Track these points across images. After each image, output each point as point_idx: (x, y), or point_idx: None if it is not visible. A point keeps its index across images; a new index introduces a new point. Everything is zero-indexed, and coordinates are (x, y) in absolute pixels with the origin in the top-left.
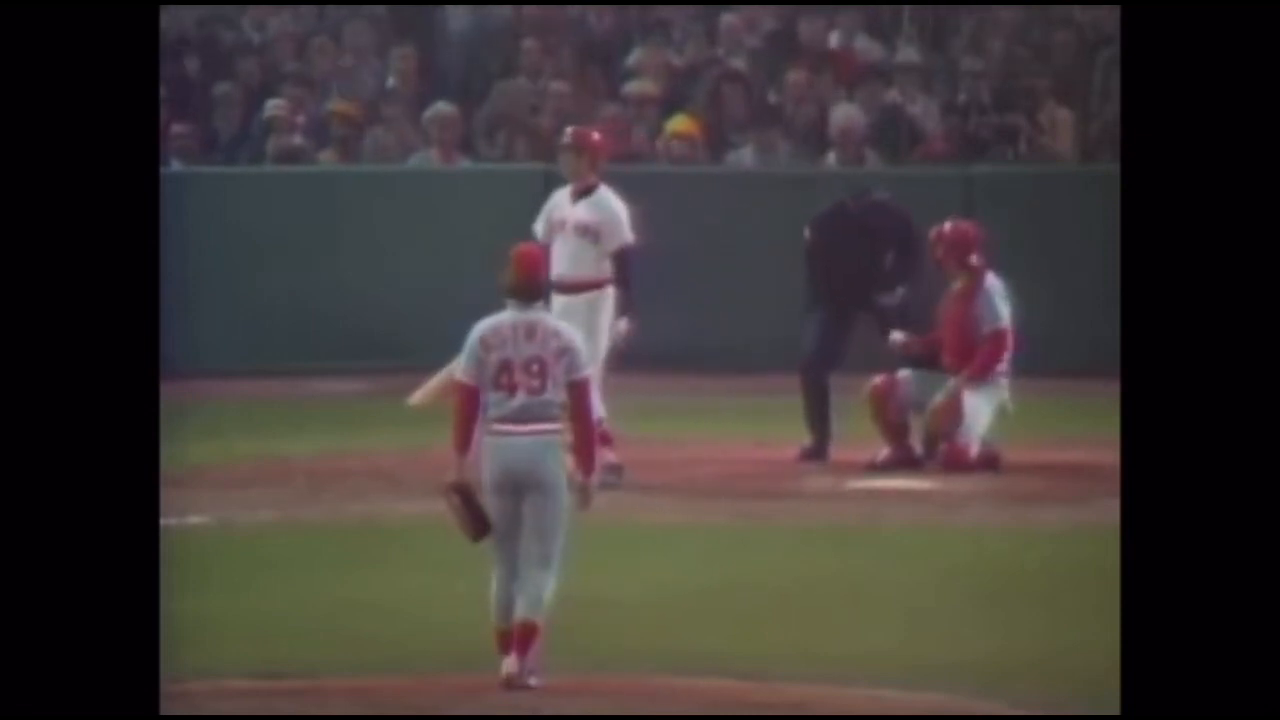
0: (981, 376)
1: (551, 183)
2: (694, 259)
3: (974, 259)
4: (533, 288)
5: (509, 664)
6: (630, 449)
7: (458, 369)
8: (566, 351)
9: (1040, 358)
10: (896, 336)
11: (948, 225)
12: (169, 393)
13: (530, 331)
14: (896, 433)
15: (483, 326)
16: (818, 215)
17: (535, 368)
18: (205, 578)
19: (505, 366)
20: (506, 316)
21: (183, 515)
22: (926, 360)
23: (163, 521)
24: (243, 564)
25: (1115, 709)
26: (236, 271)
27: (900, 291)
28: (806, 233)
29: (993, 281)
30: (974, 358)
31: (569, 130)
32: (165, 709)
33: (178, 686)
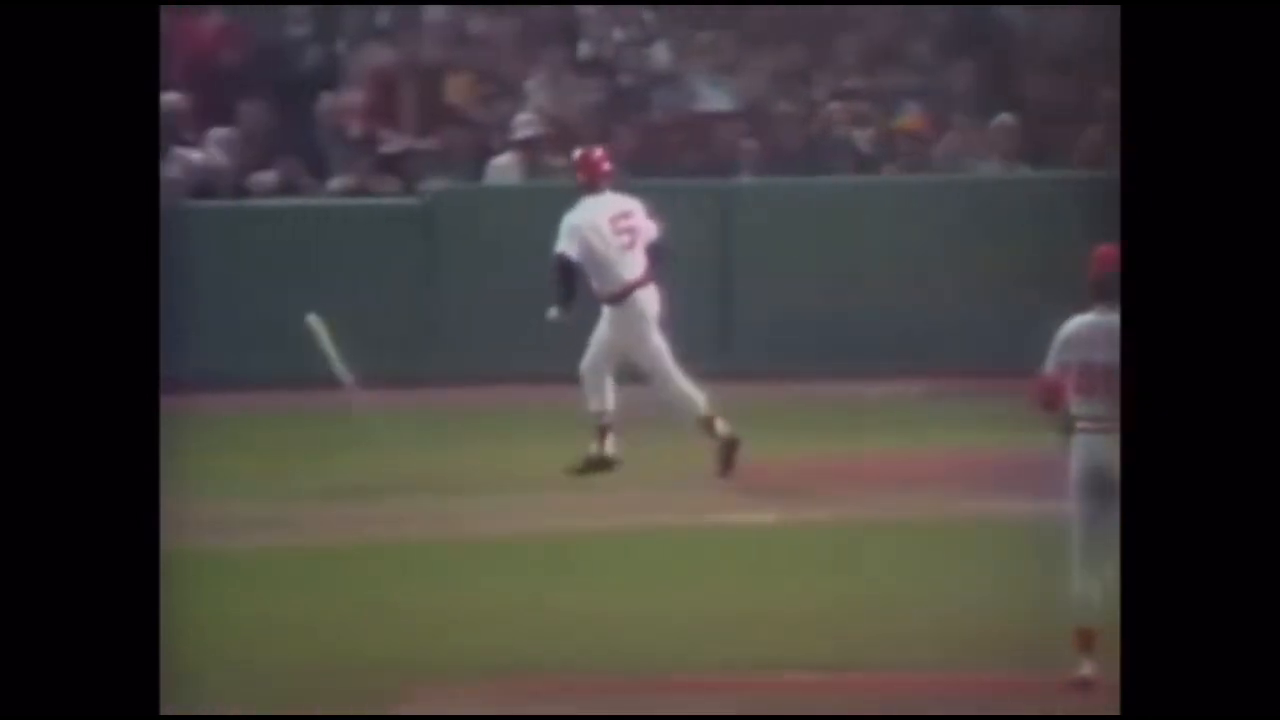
0: None
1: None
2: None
3: None
4: (1097, 287)
5: (1088, 667)
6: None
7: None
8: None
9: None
10: None
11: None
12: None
13: (1110, 337)
14: None
15: (1070, 323)
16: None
17: (1114, 376)
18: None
19: (1086, 369)
20: (1089, 318)
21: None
22: None
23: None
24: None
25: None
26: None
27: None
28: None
29: None
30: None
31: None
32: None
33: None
